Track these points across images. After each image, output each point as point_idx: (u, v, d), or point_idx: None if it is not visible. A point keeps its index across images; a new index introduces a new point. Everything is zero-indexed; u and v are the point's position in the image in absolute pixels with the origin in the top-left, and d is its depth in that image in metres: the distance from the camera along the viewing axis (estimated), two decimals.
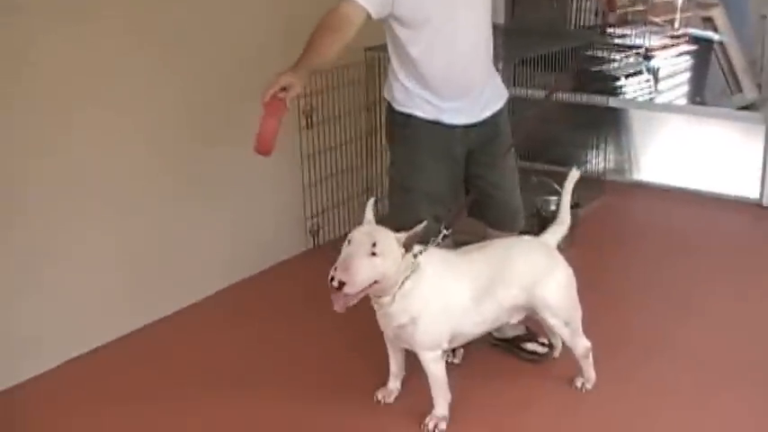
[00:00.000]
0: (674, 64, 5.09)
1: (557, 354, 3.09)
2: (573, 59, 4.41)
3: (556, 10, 5.05)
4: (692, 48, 5.06)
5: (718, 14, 5.03)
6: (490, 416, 2.82)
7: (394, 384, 2.88)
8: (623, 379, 2.97)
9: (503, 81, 3.09)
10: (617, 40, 5.01)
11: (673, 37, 5.12)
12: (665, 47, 5.11)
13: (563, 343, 2.96)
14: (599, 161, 4.80)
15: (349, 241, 2.49)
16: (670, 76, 5.10)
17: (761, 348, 3.18)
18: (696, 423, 2.76)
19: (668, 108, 5.00)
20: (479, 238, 2.98)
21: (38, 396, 2.97)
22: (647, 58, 5.04)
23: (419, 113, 2.83)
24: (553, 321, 2.81)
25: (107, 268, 3.27)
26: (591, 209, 4.46)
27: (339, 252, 2.49)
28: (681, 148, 4.88)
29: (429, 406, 2.73)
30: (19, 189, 2.94)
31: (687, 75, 5.13)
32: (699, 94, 5.07)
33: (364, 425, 2.79)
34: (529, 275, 2.76)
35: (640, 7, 5.05)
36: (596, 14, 4.99)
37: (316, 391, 2.97)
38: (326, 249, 3.90)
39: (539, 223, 3.80)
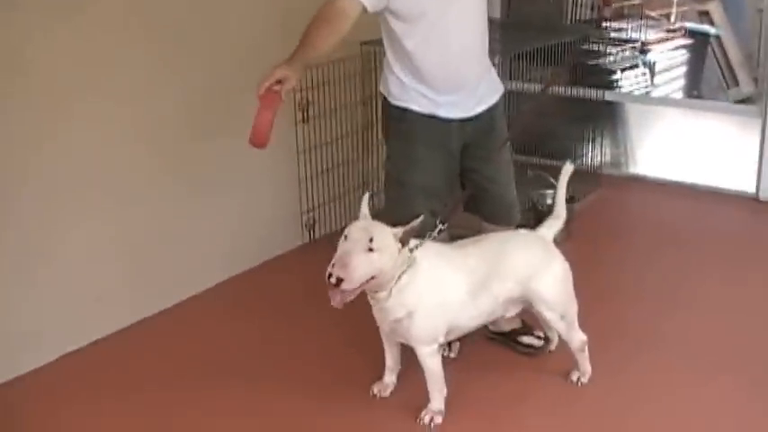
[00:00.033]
0: (670, 58, 5.08)
1: (553, 347, 3.10)
2: (569, 53, 4.40)
3: (552, 4, 5.05)
4: (689, 41, 5.05)
5: (714, 8, 5.02)
6: (486, 409, 2.82)
7: (390, 378, 2.89)
8: (618, 371, 2.98)
9: (499, 75, 3.09)
10: (613, 34, 5.00)
11: (669, 31, 5.11)
12: (661, 41, 5.10)
13: (559, 336, 2.96)
14: (595, 155, 4.80)
15: (345, 237, 2.49)
16: (666, 70, 5.09)
17: (754, 340, 3.20)
18: (690, 414, 2.77)
19: (664, 102, 4.99)
20: (475, 232, 2.98)
21: (38, 388, 2.97)
22: (644, 51, 5.04)
23: (415, 107, 2.83)
24: (549, 315, 2.82)
25: (106, 261, 3.27)
26: (587, 202, 4.46)
27: (335, 247, 2.49)
28: (677, 141, 4.88)
29: (425, 400, 2.73)
30: (18, 182, 2.94)
31: (683, 68, 5.12)
32: (695, 88, 5.06)
33: (360, 419, 2.79)
34: (525, 269, 2.77)
35: (636, 1, 5.04)
36: (592, 8, 5.00)
37: (312, 384, 2.98)
38: (322, 243, 3.90)
39: (535, 217, 3.80)
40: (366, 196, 2.66)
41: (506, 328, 3.14)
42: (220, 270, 3.73)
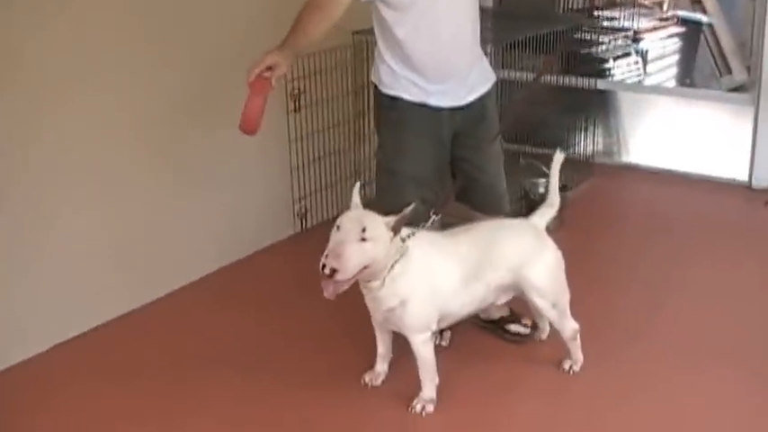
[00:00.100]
0: (662, 46, 5.07)
1: (544, 336, 3.10)
2: (561, 42, 4.40)
3: None
4: (681, 30, 5.03)
5: None
6: (477, 397, 2.83)
7: (381, 367, 2.89)
8: (610, 360, 2.98)
9: (491, 64, 3.09)
10: (605, 23, 4.99)
11: (661, 19, 5.10)
12: (653, 29, 5.09)
13: (550, 325, 2.96)
14: (587, 143, 4.80)
15: (338, 227, 2.48)
16: (659, 58, 5.08)
17: (746, 327, 3.21)
18: (682, 402, 2.78)
19: (657, 90, 4.99)
20: (465, 221, 2.98)
21: (27, 379, 2.96)
22: (636, 40, 5.03)
23: (405, 96, 2.83)
24: (541, 303, 2.82)
25: (96, 252, 3.26)
26: (579, 191, 4.46)
27: (327, 236, 2.48)
28: (670, 130, 4.87)
29: (416, 388, 2.74)
30: (9, 174, 2.93)
31: (676, 57, 5.11)
32: (688, 76, 5.05)
33: (351, 408, 2.79)
34: (517, 257, 2.77)
35: None
36: None
37: (304, 373, 2.98)
38: (314, 233, 3.90)
39: (527, 206, 3.80)
40: (357, 186, 2.65)
41: (496, 315, 3.14)
42: (212, 260, 3.73)
